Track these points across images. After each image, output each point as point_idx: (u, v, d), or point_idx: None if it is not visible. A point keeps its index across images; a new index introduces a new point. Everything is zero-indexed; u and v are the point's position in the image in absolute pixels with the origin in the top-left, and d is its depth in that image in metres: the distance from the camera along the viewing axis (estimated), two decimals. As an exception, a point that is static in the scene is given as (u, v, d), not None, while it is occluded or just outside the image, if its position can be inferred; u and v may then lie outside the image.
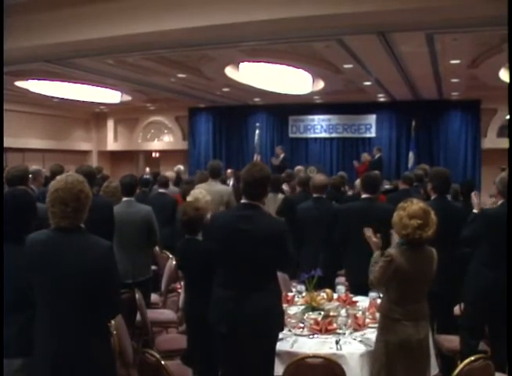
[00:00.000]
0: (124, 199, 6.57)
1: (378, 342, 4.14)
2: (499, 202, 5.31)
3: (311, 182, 7.22)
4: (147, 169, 17.10)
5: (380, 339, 4.14)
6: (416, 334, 4.02)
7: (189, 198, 5.08)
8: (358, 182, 9.16)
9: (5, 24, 7.97)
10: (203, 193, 5.12)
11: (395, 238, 4.39)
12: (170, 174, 11.99)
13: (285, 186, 10.39)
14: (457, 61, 11.18)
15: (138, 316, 5.64)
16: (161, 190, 9.39)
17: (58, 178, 3.33)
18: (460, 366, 3.73)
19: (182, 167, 14.53)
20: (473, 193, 5.87)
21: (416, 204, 4.08)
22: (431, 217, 4.07)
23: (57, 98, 16.74)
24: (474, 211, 5.59)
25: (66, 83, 14.90)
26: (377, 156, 16.13)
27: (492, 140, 16.64)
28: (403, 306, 4.05)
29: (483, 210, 5.54)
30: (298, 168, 12.26)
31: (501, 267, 4.95)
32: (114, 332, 4.16)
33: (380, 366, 4.05)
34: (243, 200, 4.22)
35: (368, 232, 4.59)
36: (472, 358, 3.79)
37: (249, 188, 4.16)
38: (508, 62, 7.69)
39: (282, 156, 16.68)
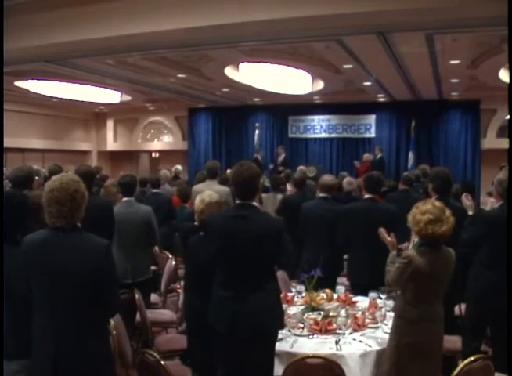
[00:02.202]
0: (124, 199, 6.58)
1: (391, 342, 4.13)
2: (498, 204, 5.31)
3: (320, 181, 7.21)
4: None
5: (392, 339, 4.13)
6: (429, 335, 4.02)
7: (197, 199, 5.02)
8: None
9: (4, 24, 7.96)
10: (212, 195, 5.04)
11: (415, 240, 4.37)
12: (163, 172, 11.96)
13: (289, 186, 10.37)
14: (457, 61, 11.19)
15: (138, 317, 5.64)
16: (155, 190, 9.38)
17: (53, 178, 3.34)
18: (460, 366, 3.73)
19: (179, 166, 14.49)
20: (463, 196, 5.85)
21: (430, 203, 4.12)
22: (446, 215, 4.06)
23: (57, 98, 16.74)
24: (469, 213, 5.58)
25: (65, 83, 14.91)
26: (379, 156, 16.15)
27: (491, 140, 16.64)
28: (418, 307, 4.05)
29: (482, 212, 5.53)
30: (301, 168, 12.26)
31: (501, 269, 4.95)
32: (113, 332, 4.16)
33: (391, 366, 4.05)
34: (237, 201, 4.23)
35: (382, 232, 4.60)
36: (472, 358, 3.79)
37: (239, 188, 4.18)
38: (508, 62, 7.69)
39: (283, 156, 16.74)
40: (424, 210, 4.06)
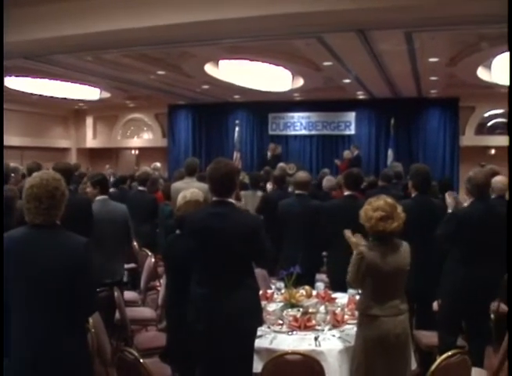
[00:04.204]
0: (98, 198, 6.41)
1: (357, 339, 4.18)
2: (469, 201, 5.39)
3: (293, 179, 7.23)
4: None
5: (358, 336, 4.18)
6: (394, 328, 4.06)
7: (180, 195, 5.00)
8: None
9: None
10: (195, 193, 5.01)
11: None
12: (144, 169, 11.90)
13: (269, 185, 10.39)
14: (436, 59, 11.26)
15: (117, 315, 5.62)
16: (141, 188, 9.34)
17: (34, 174, 3.31)
18: (437, 361, 3.76)
19: (158, 164, 14.44)
20: (447, 194, 5.91)
21: (382, 200, 4.22)
22: (397, 211, 4.18)
23: (36, 95, 16.61)
24: (449, 210, 5.64)
25: (45, 80, 14.80)
26: (356, 153, 16.18)
27: (470, 138, 16.81)
28: (380, 302, 4.09)
29: (454, 210, 5.60)
30: (281, 165, 12.29)
31: (474, 265, 5.04)
32: (92, 330, 4.15)
33: (359, 363, 4.09)
34: (214, 198, 4.23)
35: (347, 233, 4.63)
36: (449, 353, 3.83)
37: (216, 185, 4.18)
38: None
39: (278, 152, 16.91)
40: (376, 206, 4.16)
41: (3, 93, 11.26)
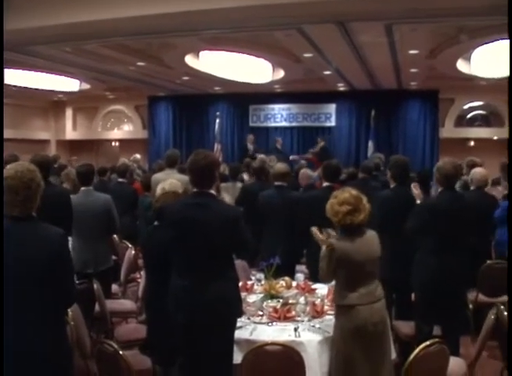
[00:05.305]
0: (82, 188, 6.47)
1: (335, 329, 4.21)
2: (438, 190, 5.43)
3: (272, 170, 7.24)
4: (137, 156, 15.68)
5: (336, 326, 4.21)
6: (371, 317, 4.10)
7: (159, 186, 4.99)
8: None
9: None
10: (173, 184, 5.00)
11: None
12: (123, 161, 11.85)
13: (245, 176, 10.41)
14: (416, 51, 11.29)
15: (97, 307, 5.60)
16: (120, 180, 9.31)
17: (8, 166, 3.28)
18: (415, 351, 3.80)
19: (138, 155, 14.35)
20: (412, 185, 5.93)
21: (347, 192, 4.27)
22: (363, 203, 4.24)
23: (15, 86, 16.40)
24: (417, 201, 5.65)
25: (23, 71, 14.63)
26: (321, 145, 16.06)
27: (449, 130, 16.92)
28: (354, 290, 4.13)
29: (421, 201, 5.62)
30: (261, 156, 12.29)
31: (443, 255, 5.07)
32: (71, 323, 4.13)
33: (338, 352, 4.12)
34: (194, 189, 4.22)
35: (314, 230, 4.66)
36: (427, 343, 3.87)
37: (196, 177, 4.18)
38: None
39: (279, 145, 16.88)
40: (342, 200, 4.21)
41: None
